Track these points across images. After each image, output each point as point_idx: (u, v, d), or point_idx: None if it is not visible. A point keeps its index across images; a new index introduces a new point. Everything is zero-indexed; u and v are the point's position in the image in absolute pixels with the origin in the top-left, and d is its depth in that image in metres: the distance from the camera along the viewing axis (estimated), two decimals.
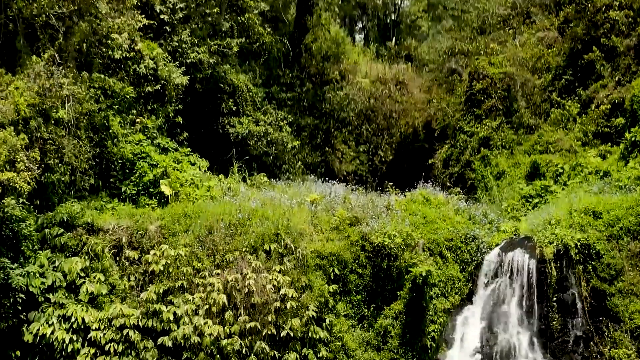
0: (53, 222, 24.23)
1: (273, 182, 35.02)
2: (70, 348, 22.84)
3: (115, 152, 28.01)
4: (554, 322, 25.44)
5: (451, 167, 41.94)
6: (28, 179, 22.44)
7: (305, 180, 35.97)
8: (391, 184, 33.77)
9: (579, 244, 25.85)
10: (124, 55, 29.55)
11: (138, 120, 30.02)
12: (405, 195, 31.58)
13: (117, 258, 24.82)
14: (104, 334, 23.18)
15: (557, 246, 25.89)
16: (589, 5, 38.58)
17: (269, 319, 23.95)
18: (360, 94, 50.97)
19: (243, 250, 24.97)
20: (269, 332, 23.91)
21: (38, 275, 22.97)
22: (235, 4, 39.25)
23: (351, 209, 27.54)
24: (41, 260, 23.37)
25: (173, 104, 32.33)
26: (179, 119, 33.08)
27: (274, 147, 38.08)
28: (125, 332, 23.26)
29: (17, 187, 22.06)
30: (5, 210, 22.43)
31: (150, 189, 28.28)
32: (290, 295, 24.16)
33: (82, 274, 23.82)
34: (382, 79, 54.55)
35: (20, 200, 23.17)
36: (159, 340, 23.45)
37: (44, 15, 26.01)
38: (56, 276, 23.36)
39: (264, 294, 24.19)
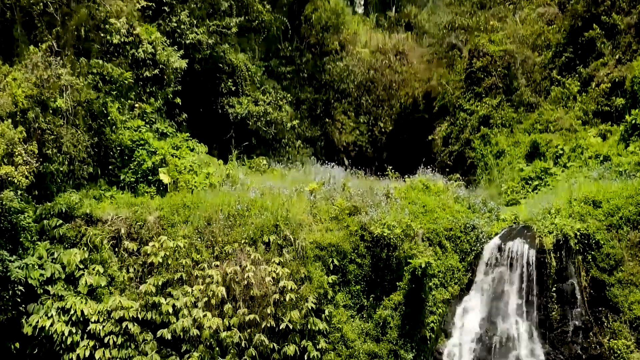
0: (52, 213, 24.06)
1: (272, 165, 34.90)
2: (69, 340, 22.80)
3: (113, 139, 27.74)
4: (554, 313, 25.49)
5: (451, 145, 41.80)
6: (26, 172, 22.39)
7: (304, 162, 35.77)
8: (390, 167, 33.68)
9: (578, 233, 25.86)
10: (122, 40, 29.16)
11: (137, 105, 29.75)
12: (404, 181, 31.45)
13: (116, 249, 24.69)
14: (103, 327, 23.15)
15: (557, 236, 25.91)
16: None
17: (268, 311, 23.91)
18: (360, 64, 50.82)
19: (242, 242, 24.88)
20: (268, 325, 23.89)
21: (37, 267, 22.86)
22: None
23: (350, 197, 27.37)
24: (40, 252, 23.27)
25: (172, 86, 32.02)
26: (178, 100, 32.77)
27: (273, 127, 37.85)
28: (124, 324, 23.24)
29: (16, 181, 22.01)
30: (4, 202, 22.27)
31: (149, 177, 28.05)
32: (289, 288, 24.12)
33: (81, 266, 23.69)
34: (382, 49, 54.22)
35: (19, 192, 22.98)
36: (158, 333, 23.46)
37: (41, 3, 25.65)
38: (55, 268, 23.28)
39: (263, 286, 24.15)
